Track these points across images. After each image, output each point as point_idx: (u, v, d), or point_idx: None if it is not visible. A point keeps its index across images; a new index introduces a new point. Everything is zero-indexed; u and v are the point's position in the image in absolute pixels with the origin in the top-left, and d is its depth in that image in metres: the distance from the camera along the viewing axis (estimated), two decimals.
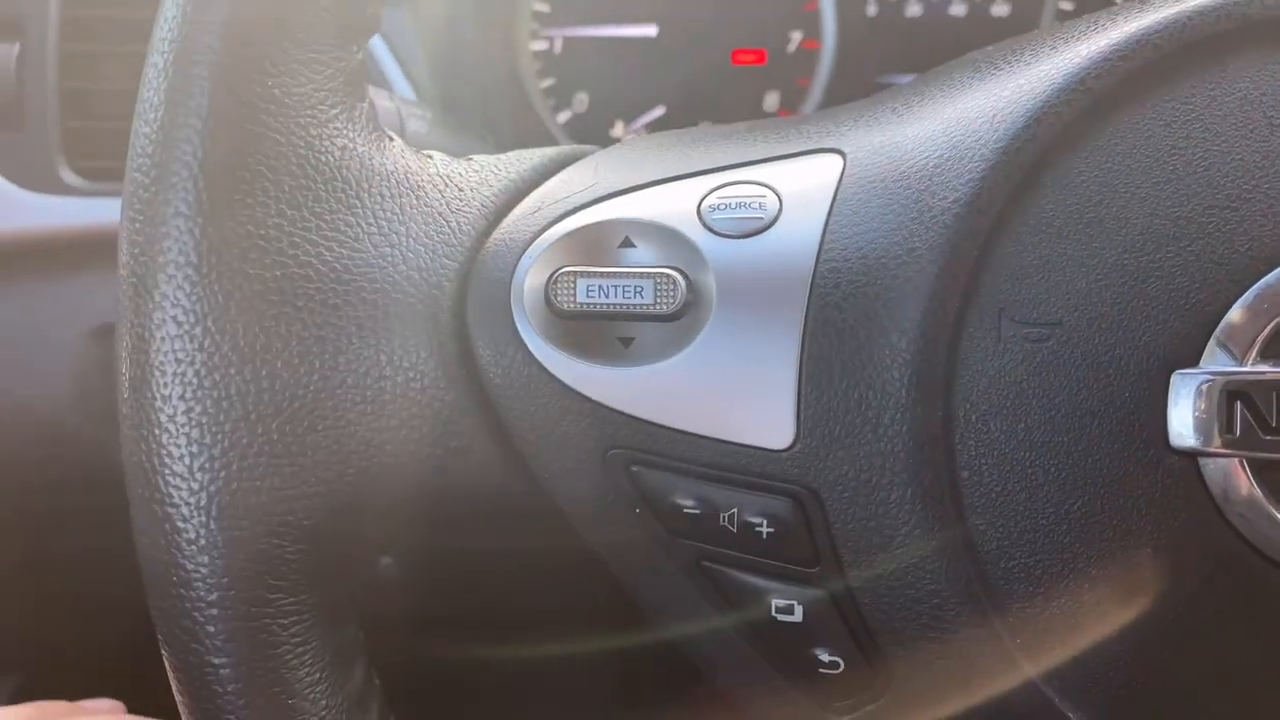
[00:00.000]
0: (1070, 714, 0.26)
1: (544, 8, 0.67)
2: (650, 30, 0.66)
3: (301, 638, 0.27)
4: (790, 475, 0.27)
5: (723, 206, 0.28)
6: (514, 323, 0.28)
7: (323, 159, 0.28)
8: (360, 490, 0.28)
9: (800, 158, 0.29)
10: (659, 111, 0.67)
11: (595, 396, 0.27)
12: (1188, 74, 0.26)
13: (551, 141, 0.67)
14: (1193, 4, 0.26)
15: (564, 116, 0.68)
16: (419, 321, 0.28)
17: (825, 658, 0.27)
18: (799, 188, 0.28)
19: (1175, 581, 0.25)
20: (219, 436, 0.27)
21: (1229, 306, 0.25)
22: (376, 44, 0.57)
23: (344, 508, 0.28)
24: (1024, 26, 0.66)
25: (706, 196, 0.28)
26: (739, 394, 0.27)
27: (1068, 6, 0.66)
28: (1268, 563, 0.25)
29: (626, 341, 0.28)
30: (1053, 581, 0.26)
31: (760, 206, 0.28)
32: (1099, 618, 0.26)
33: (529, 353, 0.28)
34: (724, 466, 0.27)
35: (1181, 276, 0.25)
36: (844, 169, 0.28)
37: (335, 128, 0.29)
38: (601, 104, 0.67)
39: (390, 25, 0.58)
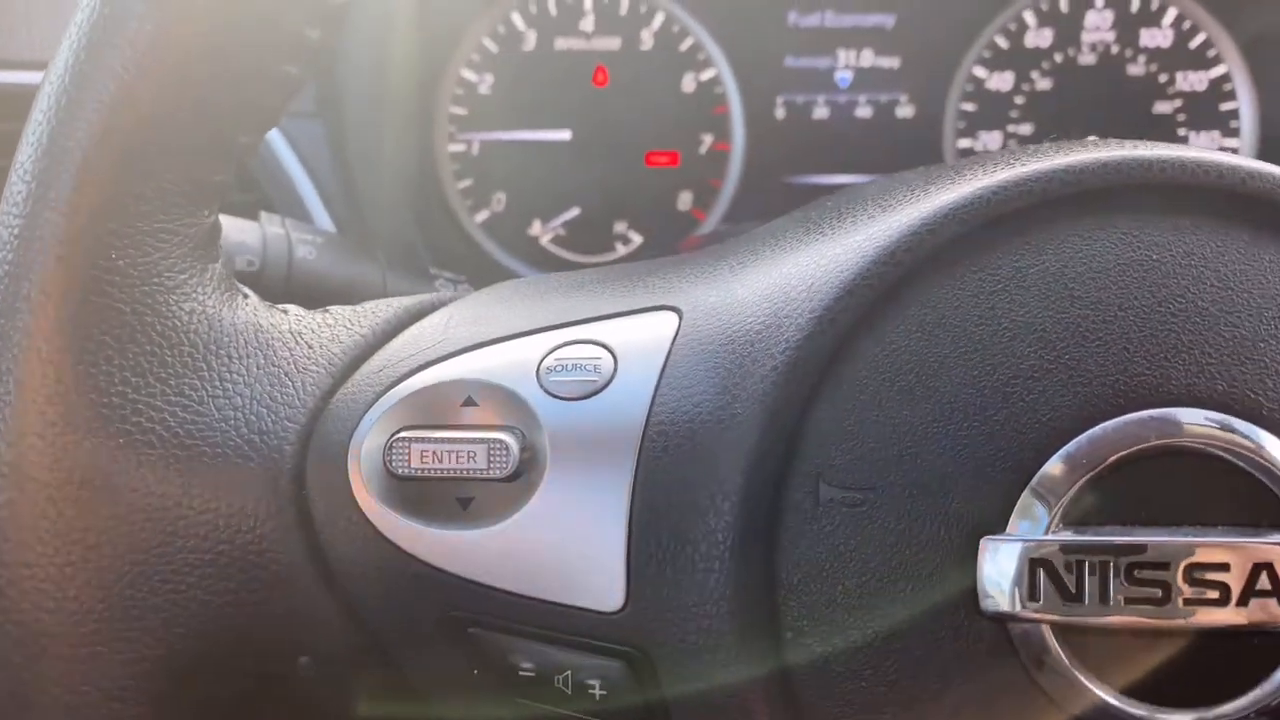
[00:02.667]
0: None
1: (461, 111, 0.68)
2: (564, 135, 0.68)
3: None
4: (621, 638, 0.27)
5: (560, 368, 0.29)
6: (349, 486, 0.28)
7: (169, 324, 0.29)
8: (199, 654, 0.28)
9: (640, 315, 0.30)
10: (575, 211, 0.68)
11: (431, 561, 0.28)
12: (993, 247, 0.27)
13: (469, 241, 0.69)
14: (998, 179, 0.27)
15: (482, 216, 0.69)
16: (259, 485, 0.28)
17: None
18: (635, 348, 0.29)
19: None
20: (62, 601, 0.27)
21: (1033, 475, 0.26)
22: (285, 153, 0.58)
23: (183, 670, 0.28)
24: (927, 127, 0.68)
25: (545, 358, 0.29)
26: (572, 556, 0.27)
27: (969, 108, 0.68)
28: None
29: (465, 502, 0.28)
30: None
31: (595, 369, 0.29)
32: None
33: (364, 517, 0.28)
34: (558, 629, 0.27)
35: (988, 445, 0.26)
36: (679, 327, 0.29)
37: (183, 292, 0.29)
38: (519, 204, 0.69)
39: (302, 135, 0.59)
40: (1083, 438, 0.26)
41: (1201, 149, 0.28)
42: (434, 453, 0.28)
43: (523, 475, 0.28)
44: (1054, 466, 0.26)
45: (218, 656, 0.29)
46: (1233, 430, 0.25)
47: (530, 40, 0.68)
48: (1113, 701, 0.25)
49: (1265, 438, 0.26)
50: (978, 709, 0.26)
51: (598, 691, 0.27)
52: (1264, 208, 0.27)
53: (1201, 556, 0.25)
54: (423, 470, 0.28)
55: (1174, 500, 0.26)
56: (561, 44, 0.68)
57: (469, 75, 0.68)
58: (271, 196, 0.57)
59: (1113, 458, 0.25)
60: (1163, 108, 0.68)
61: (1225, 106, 0.68)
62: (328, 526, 0.28)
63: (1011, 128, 0.68)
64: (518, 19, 0.68)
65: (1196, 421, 0.25)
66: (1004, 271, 0.27)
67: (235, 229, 0.44)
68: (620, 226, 0.69)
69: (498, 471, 0.28)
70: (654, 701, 0.27)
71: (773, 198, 0.68)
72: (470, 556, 0.28)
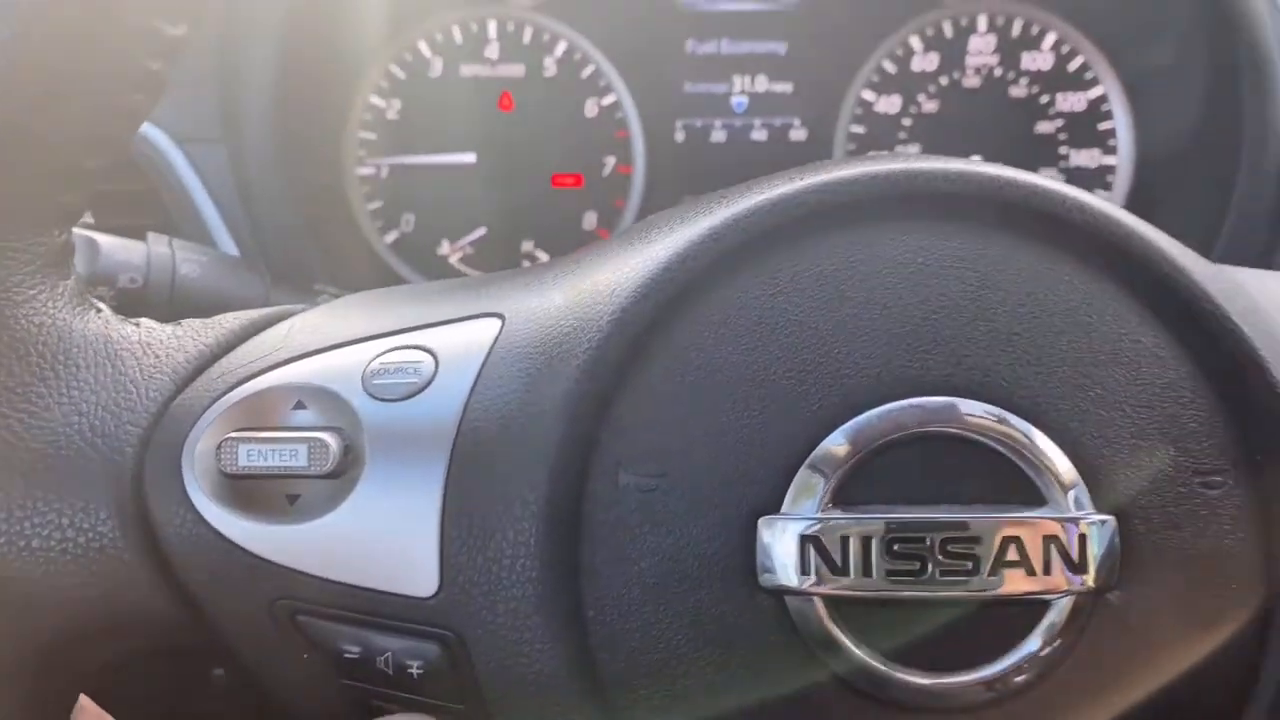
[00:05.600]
0: None
1: (370, 136, 0.70)
2: (469, 158, 0.70)
3: None
4: (436, 620, 0.29)
5: (384, 372, 0.31)
6: (184, 486, 0.30)
7: (17, 336, 0.31)
8: (49, 651, 0.30)
9: (466, 321, 0.32)
10: (481, 231, 0.71)
11: (260, 553, 0.30)
12: (772, 253, 0.30)
13: (378, 260, 0.71)
14: (778, 192, 0.30)
15: (391, 237, 0.71)
16: (100, 485, 0.30)
17: None
18: (457, 351, 0.31)
19: (774, 709, 0.28)
20: None
21: (805, 459, 0.28)
22: (189, 177, 0.60)
23: (36, 669, 0.30)
24: (820, 149, 0.71)
25: (372, 362, 0.31)
26: (389, 546, 0.29)
27: (859, 130, 0.71)
28: (848, 689, 0.28)
29: (293, 499, 0.30)
30: (671, 711, 0.28)
31: (416, 372, 0.31)
32: None
33: (198, 513, 0.30)
34: (379, 614, 0.29)
35: (765, 433, 0.28)
36: (499, 332, 0.31)
37: (34, 306, 0.31)
38: (427, 225, 0.71)
39: (206, 162, 0.61)
40: (849, 425, 0.28)
41: (969, 161, 0.31)
42: (260, 452, 0.30)
43: (345, 473, 0.30)
44: (824, 451, 0.28)
45: (71, 643, 0.30)
46: (982, 416, 0.28)
47: (437, 67, 0.70)
48: (880, 667, 0.27)
49: (1018, 423, 0.28)
50: (762, 679, 0.28)
51: (416, 671, 0.29)
52: (1021, 214, 0.30)
53: (954, 531, 0.27)
54: (250, 469, 0.30)
55: (930, 482, 0.28)
56: (467, 71, 0.70)
57: (377, 101, 0.70)
58: (176, 220, 0.59)
59: (877, 443, 0.28)
60: (1044, 127, 0.71)
61: (1103, 126, 0.71)
62: (164, 524, 0.30)
63: (900, 149, 0.71)
64: (424, 47, 0.70)
65: (939, 408, 0.28)
66: (782, 275, 0.29)
67: (120, 248, 0.46)
68: (528, 245, 0.71)
69: (318, 469, 0.29)
70: (468, 681, 0.29)
71: None
72: (296, 548, 0.30)
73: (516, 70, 0.71)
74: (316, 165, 0.67)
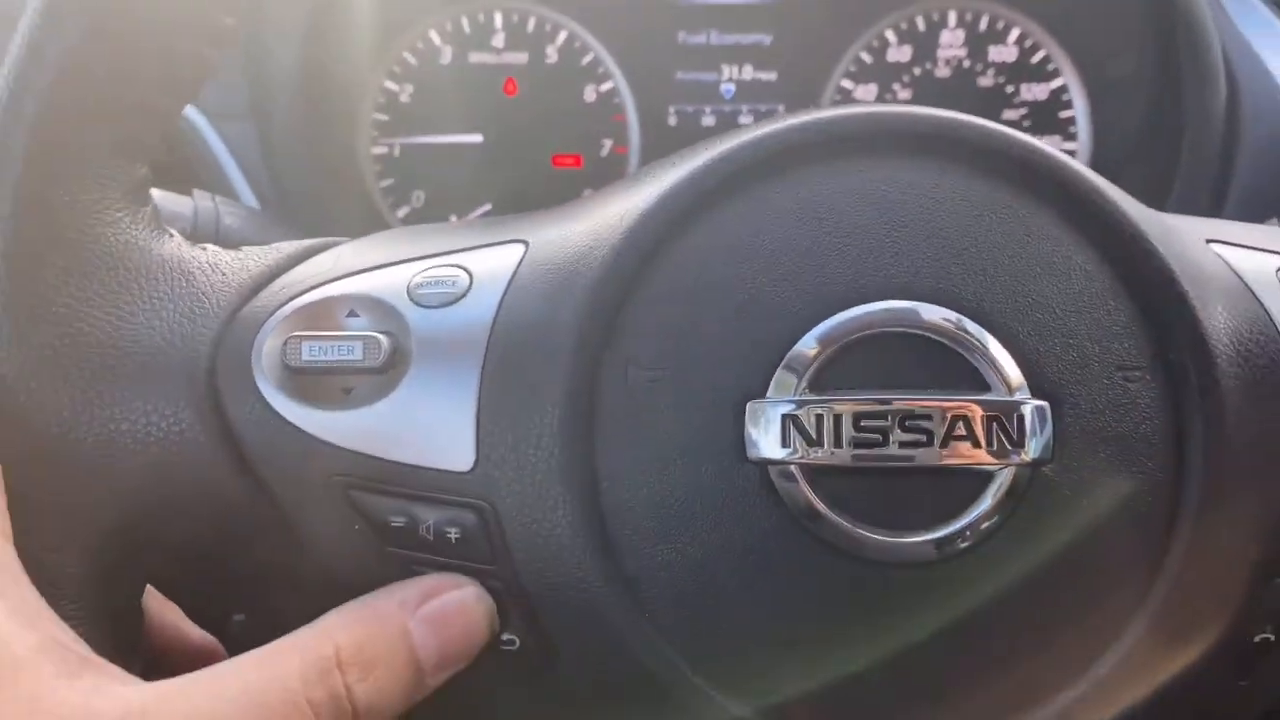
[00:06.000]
0: (712, 693, 0.33)
1: (384, 117, 0.75)
2: (476, 138, 0.75)
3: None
4: (472, 492, 0.34)
5: (426, 284, 0.36)
6: (254, 379, 0.35)
7: (108, 250, 0.35)
8: (129, 526, 0.35)
9: (496, 247, 0.37)
10: (486, 207, 0.76)
11: (320, 435, 0.34)
12: (758, 183, 0.35)
13: None
14: (763, 131, 0.35)
15: (403, 212, 0.76)
16: (179, 380, 0.35)
17: (505, 636, 0.34)
18: (488, 268, 0.36)
19: (759, 564, 0.33)
20: (12, 470, 0.34)
21: (787, 353, 0.33)
22: (222, 153, 0.65)
23: (117, 543, 0.35)
24: None
25: (415, 276, 0.36)
26: (432, 429, 0.34)
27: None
28: (820, 545, 0.33)
29: (347, 390, 0.35)
30: (676, 570, 0.33)
31: (454, 284, 0.35)
32: (720, 604, 0.33)
33: (265, 401, 0.35)
34: (422, 487, 0.34)
35: (753, 331, 0.33)
36: (524, 254, 0.36)
37: (120, 227, 0.36)
38: (436, 201, 0.76)
39: (236, 136, 0.66)
40: (823, 324, 0.33)
41: (930, 108, 0.36)
42: (321, 348, 0.35)
43: (393, 368, 0.35)
44: (801, 347, 0.33)
45: (149, 517, 0.35)
46: (936, 317, 0.33)
47: (447, 54, 0.76)
48: (848, 527, 0.32)
49: (967, 323, 0.33)
50: (749, 539, 0.33)
51: (454, 537, 0.34)
52: (970, 150, 0.35)
53: (911, 410, 0.32)
54: (311, 363, 0.35)
55: (893, 371, 0.33)
56: (475, 58, 0.76)
57: (391, 85, 0.75)
58: (208, 188, 0.64)
59: (847, 339, 0.33)
60: (1010, 115, 0.77)
61: (1064, 114, 0.76)
62: (235, 412, 0.35)
63: None
64: (435, 35, 0.75)
65: (901, 309, 0.33)
66: (768, 201, 0.35)
67: (172, 201, 0.51)
68: None
69: (371, 364, 0.34)
70: (499, 544, 0.34)
71: None
72: (350, 431, 0.34)
73: (520, 58, 0.76)
74: (335, 143, 0.72)
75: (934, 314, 0.33)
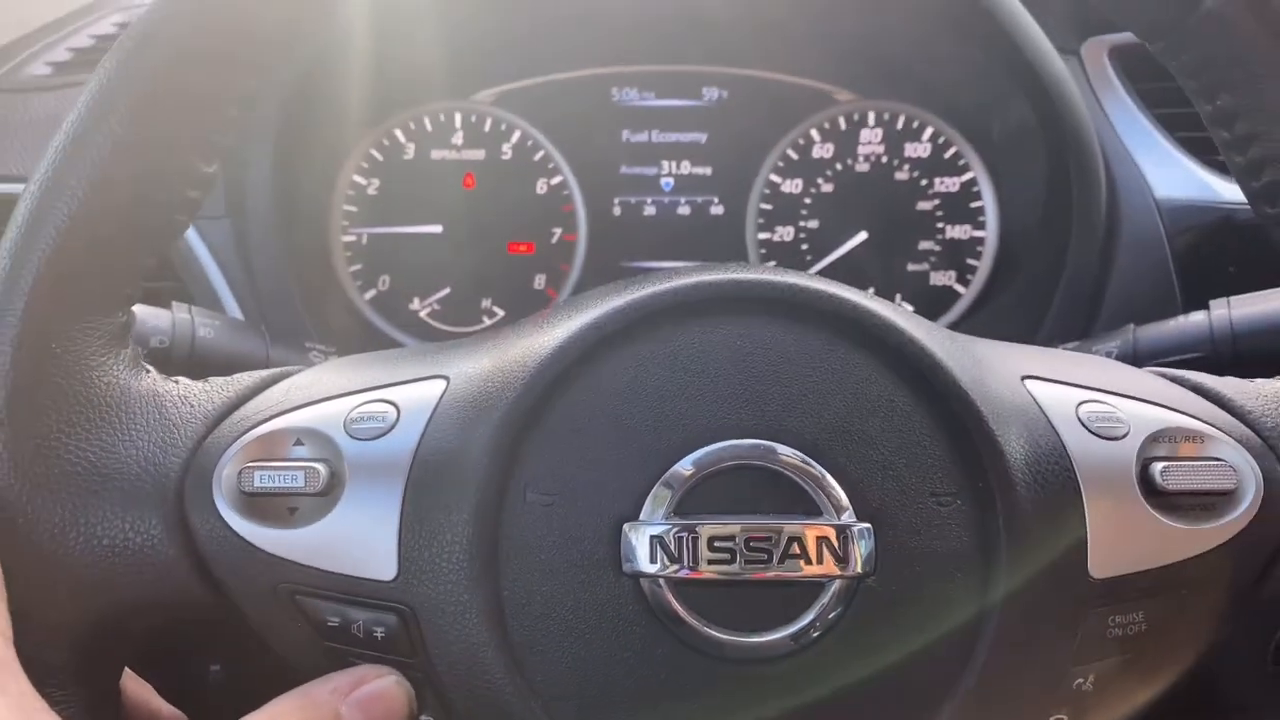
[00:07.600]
0: None
1: (352, 209, 0.82)
2: (437, 228, 0.82)
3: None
4: (395, 597, 0.40)
5: (360, 419, 0.42)
6: (214, 501, 0.42)
7: (93, 392, 0.42)
8: (105, 622, 0.41)
9: (422, 381, 0.44)
10: (447, 290, 0.83)
11: (268, 549, 0.41)
12: (636, 337, 0.41)
13: (358, 315, 0.82)
14: (647, 291, 0.42)
15: (370, 294, 0.83)
16: (153, 501, 0.42)
17: (423, 718, 0.41)
18: (413, 404, 0.43)
19: (631, 667, 0.40)
20: (12, 578, 0.40)
21: (657, 481, 0.40)
22: (201, 251, 0.72)
23: (94, 638, 0.41)
24: (734, 223, 0.84)
25: (351, 411, 0.43)
26: (363, 544, 0.41)
27: (767, 207, 0.84)
28: (685, 649, 0.39)
29: (292, 510, 0.41)
30: (566, 668, 0.40)
31: (383, 418, 0.42)
32: (606, 700, 0.39)
33: (224, 521, 0.41)
34: (354, 593, 0.41)
35: (630, 462, 0.40)
36: (445, 390, 0.43)
37: (103, 371, 0.43)
38: (400, 285, 0.83)
39: (214, 234, 0.73)
40: (684, 460, 0.40)
41: (786, 272, 0.43)
42: (269, 476, 0.41)
43: (331, 492, 0.41)
44: (667, 478, 0.40)
45: (122, 618, 0.42)
46: (784, 454, 0.40)
47: (410, 151, 0.83)
48: (708, 630, 0.39)
49: (806, 458, 0.40)
50: (624, 642, 0.40)
51: (380, 635, 0.41)
52: (805, 310, 0.42)
53: (756, 532, 0.39)
54: (262, 489, 0.41)
55: (745, 497, 0.40)
56: (436, 154, 0.83)
57: (359, 179, 0.82)
58: (190, 288, 0.71)
59: (707, 470, 0.40)
60: (924, 205, 0.84)
61: (974, 204, 0.84)
62: (199, 529, 0.42)
63: (802, 223, 0.84)
64: (399, 134, 0.82)
65: (752, 448, 0.40)
66: (643, 352, 0.41)
67: (151, 315, 0.58)
68: (486, 303, 0.83)
69: (311, 489, 0.41)
70: (419, 642, 0.40)
71: (611, 279, 0.81)
72: (294, 547, 0.41)
73: (478, 154, 0.83)
74: (307, 234, 0.79)
75: (783, 451, 0.40)
